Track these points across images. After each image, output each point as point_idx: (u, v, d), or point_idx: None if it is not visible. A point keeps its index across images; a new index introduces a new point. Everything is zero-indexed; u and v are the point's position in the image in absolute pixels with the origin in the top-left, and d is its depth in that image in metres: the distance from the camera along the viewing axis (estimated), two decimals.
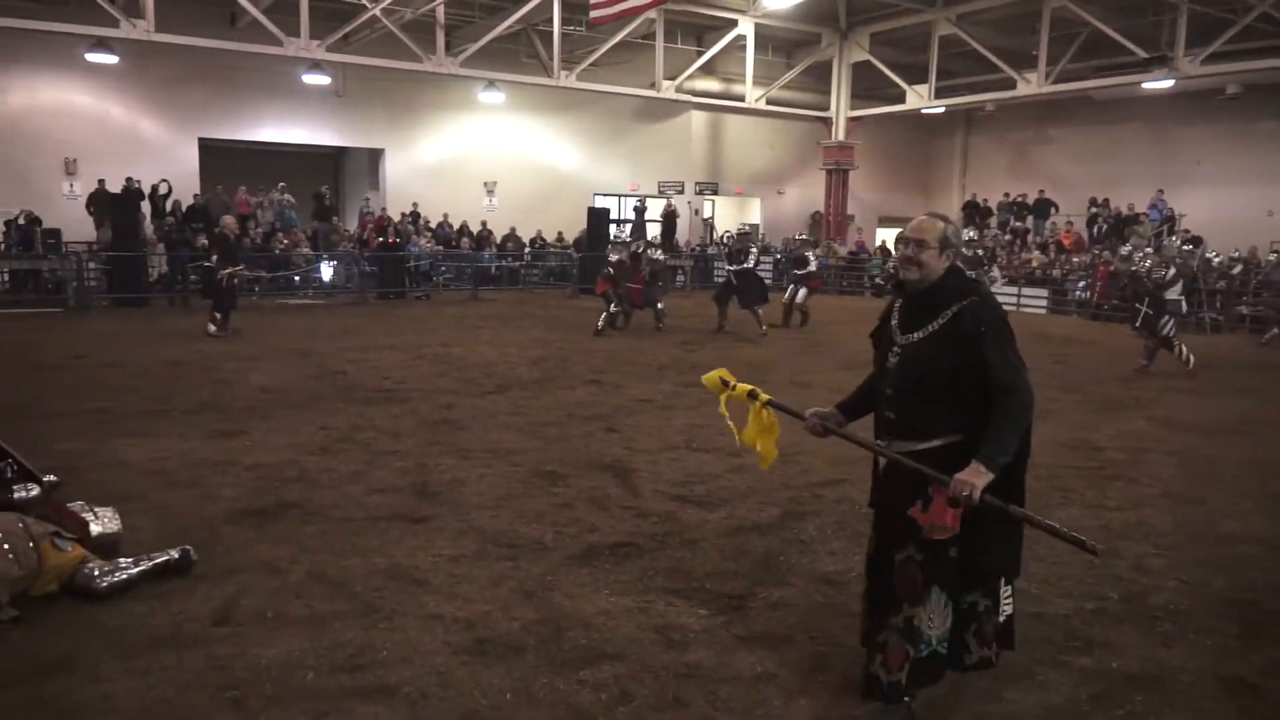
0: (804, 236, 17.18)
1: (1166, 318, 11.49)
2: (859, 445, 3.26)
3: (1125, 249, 14.98)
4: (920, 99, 23.05)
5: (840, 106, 24.82)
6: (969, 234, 17.98)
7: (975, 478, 2.86)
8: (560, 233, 23.85)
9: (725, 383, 3.46)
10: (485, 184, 24.21)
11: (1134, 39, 18.85)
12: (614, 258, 14.68)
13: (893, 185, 28.61)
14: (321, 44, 17.73)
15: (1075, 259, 21.25)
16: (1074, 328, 17.05)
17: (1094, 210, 23.53)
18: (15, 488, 4.50)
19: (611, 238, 16.20)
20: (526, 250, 23.26)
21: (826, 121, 25.15)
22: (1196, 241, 19.35)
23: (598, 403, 8.76)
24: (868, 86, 24.94)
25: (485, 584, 4.38)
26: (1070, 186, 24.84)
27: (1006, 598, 3.25)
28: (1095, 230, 23.02)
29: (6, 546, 3.88)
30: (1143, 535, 5.28)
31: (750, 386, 3.41)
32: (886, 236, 27.91)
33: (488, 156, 24.10)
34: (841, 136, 25.08)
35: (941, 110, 24.51)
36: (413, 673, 3.52)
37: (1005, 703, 3.40)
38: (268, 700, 3.31)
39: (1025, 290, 20.80)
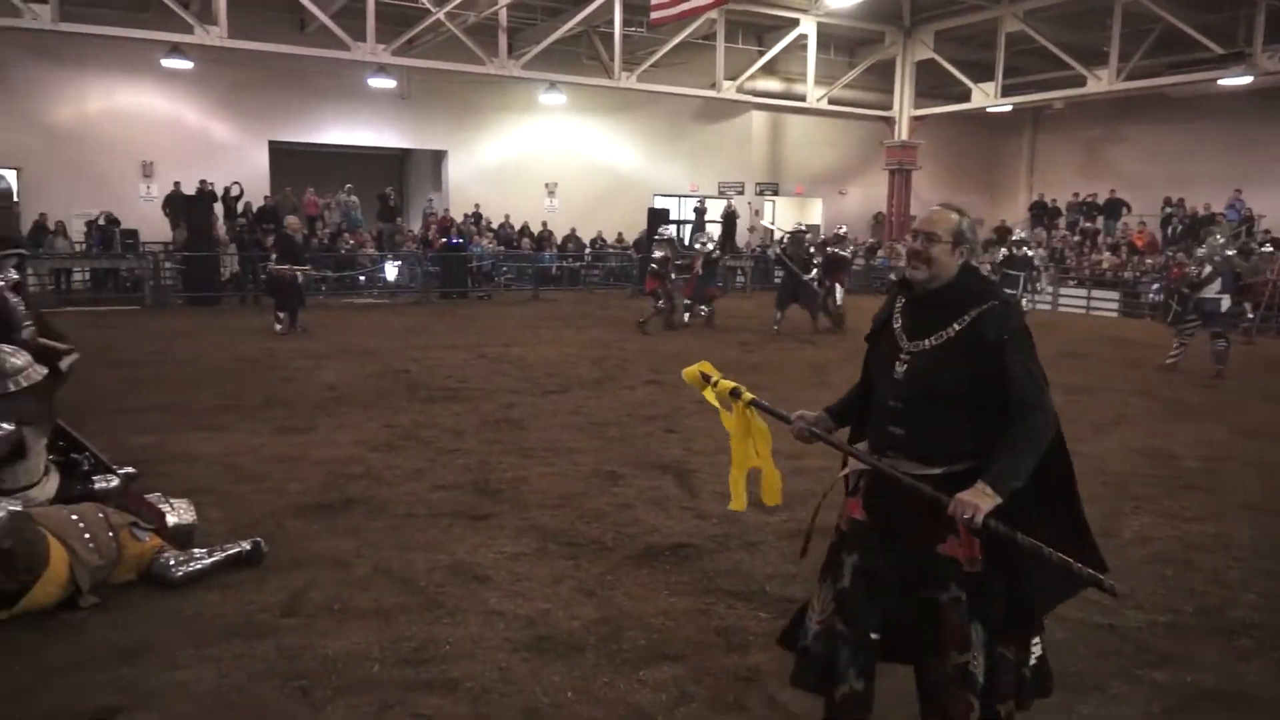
0: (842, 231, 16.72)
1: (1193, 317, 11.52)
2: (851, 456, 2.88)
3: (1202, 250, 14.50)
4: (986, 97, 22.61)
5: (903, 105, 24.47)
6: (1021, 233, 17.43)
7: (980, 499, 2.51)
8: (620, 233, 23.92)
9: (707, 378, 3.15)
10: (546, 185, 24.39)
11: (1210, 34, 18.26)
12: (659, 254, 14.67)
13: (958, 185, 28.10)
14: (387, 48, 18.02)
15: (1148, 260, 20.68)
16: (1147, 331, 16.56)
17: (1168, 211, 22.86)
18: (95, 479, 4.67)
19: (656, 234, 16.12)
20: (587, 251, 23.40)
21: (889, 121, 24.81)
22: (1278, 244, 18.67)
23: (657, 403, 8.77)
24: (932, 85, 24.56)
25: (546, 582, 4.41)
26: (1143, 186, 24.16)
27: (1034, 639, 2.81)
28: (1170, 231, 22.37)
29: (88, 536, 4.02)
30: (1220, 547, 5.11)
31: (733, 384, 3.08)
32: None
33: (549, 158, 24.27)
34: (904, 136, 24.73)
35: (1008, 109, 24.01)
36: (475, 668, 3.56)
37: (1076, 716, 3.32)
38: (335, 691, 3.38)
39: (1095, 293, 20.29)
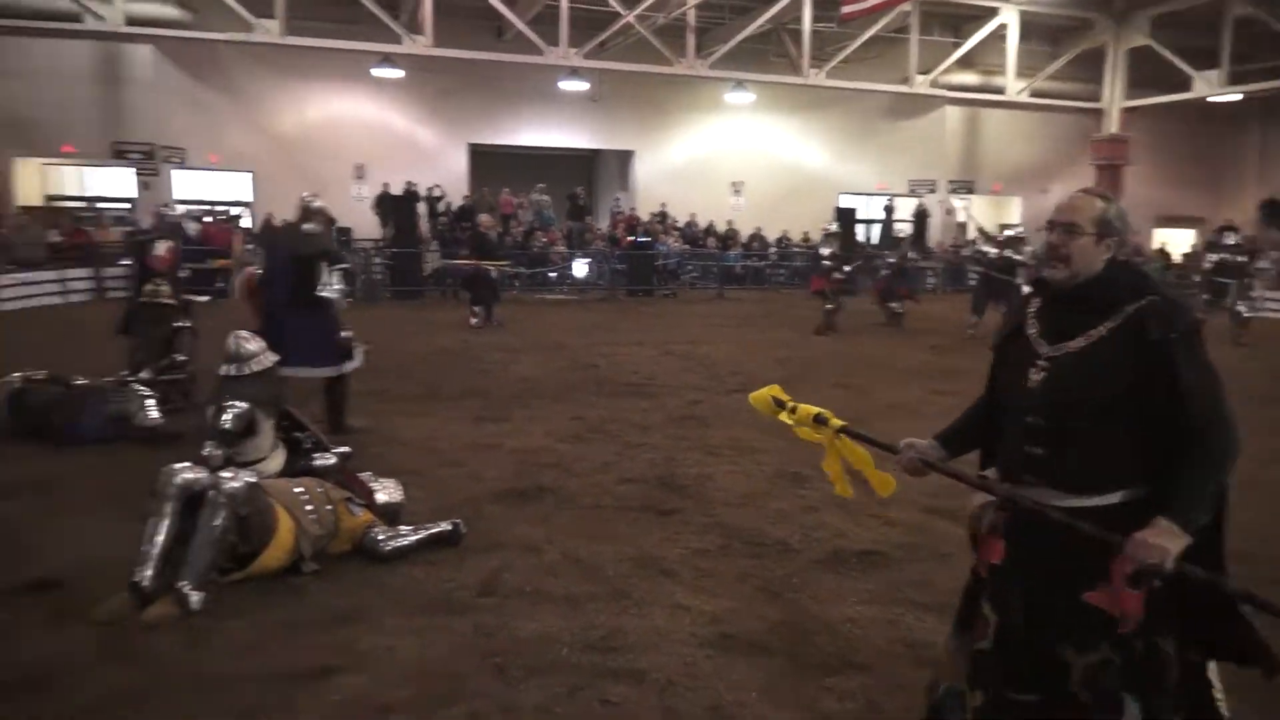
0: (1017, 232, 15.61)
1: None
2: (983, 490, 2.49)
3: None
4: (1210, 86, 20.80)
5: (1114, 97, 22.90)
6: (1231, 236, 15.38)
7: (1167, 539, 2.10)
8: (806, 233, 23.64)
9: (780, 404, 2.78)
10: (732, 184, 24.42)
11: None
12: (826, 251, 14.32)
13: (1174, 182, 26.03)
14: (579, 52, 18.57)
15: None
16: None
17: None
18: (315, 456, 5.05)
19: (823, 228, 15.67)
20: (771, 250, 23.26)
21: (1097, 113, 23.27)
22: None
23: (845, 406, 8.46)
24: (1145, 74, 22.81)
25: (731, 580, 4.41)
26: None
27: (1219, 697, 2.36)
28: None
29: (310, 508, 4.36)
30: None
31: (817, 409, 2.71)
32: (1167, 238, 25.52)
33: (735, 156, 24.29)
34: (1114, 129, 23.12)
35: (1237, 98, 21.96)
36: (661, 660, 3.61)
37: None
38: (527, 670, 3.50)
39: None
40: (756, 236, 23.28)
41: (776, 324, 15.12)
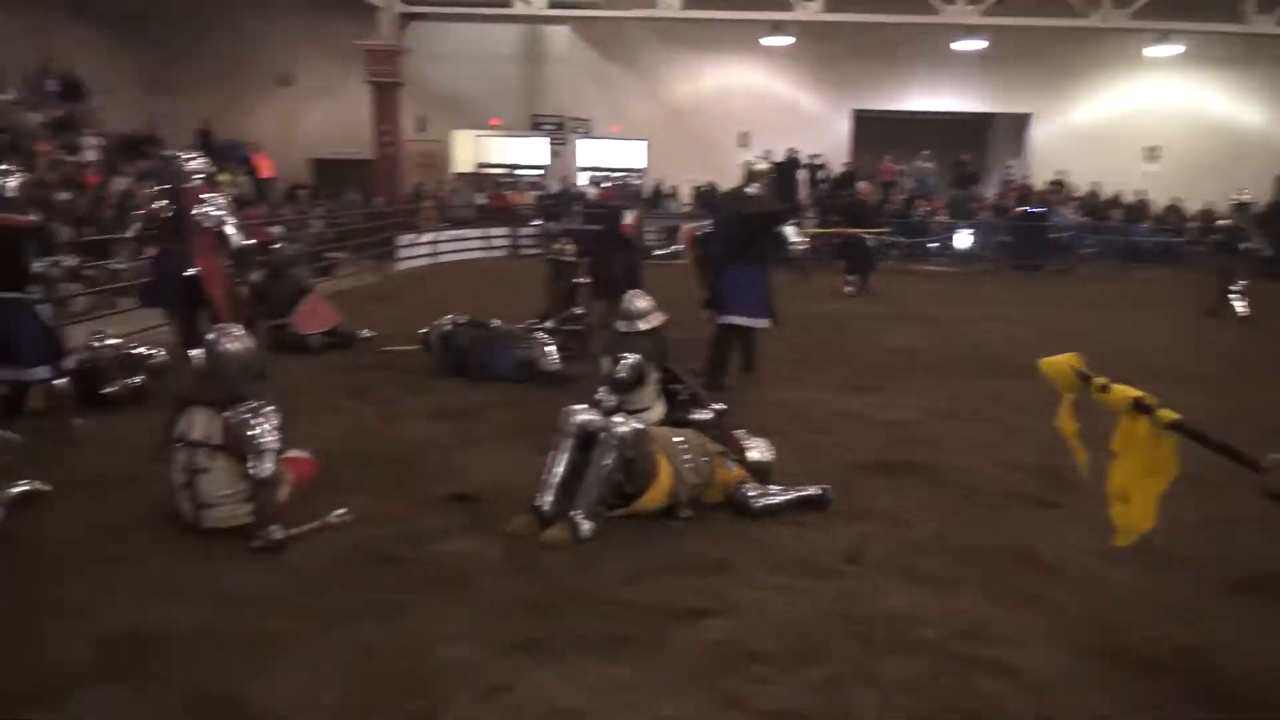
0: None
1: None
2: None
3: None
4: None
5: None
6: None
7: None
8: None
9: (1084, 377, 2.08)
10: (1145, 149, 21.80)
11: None
12: (1223, 223, 12.22)
13: None
14: (978, 8, 17.48)
15: None
16: None
17: None
18: (693, 411, 5.33)
19: (1231, 200, 13.30)
20: (1191, 224, 20.47)
21: None
22: None
23: (1265, 410, 7.37)
24: None
25: (1122, 588, 4.00)
26: None
27: None
28: None
29: (688, 458, 4.61)
30: None
31: (1137, 393, 2.06)
32: None
33: (1149, 118, 21.70)
34: None
35: None
36: (1034, 659, 3.38)
37: None
38: (890, 645, 3.45)
39: None
40: (1173, 208, 20.59)
41: (1190, 308, 13.31)
